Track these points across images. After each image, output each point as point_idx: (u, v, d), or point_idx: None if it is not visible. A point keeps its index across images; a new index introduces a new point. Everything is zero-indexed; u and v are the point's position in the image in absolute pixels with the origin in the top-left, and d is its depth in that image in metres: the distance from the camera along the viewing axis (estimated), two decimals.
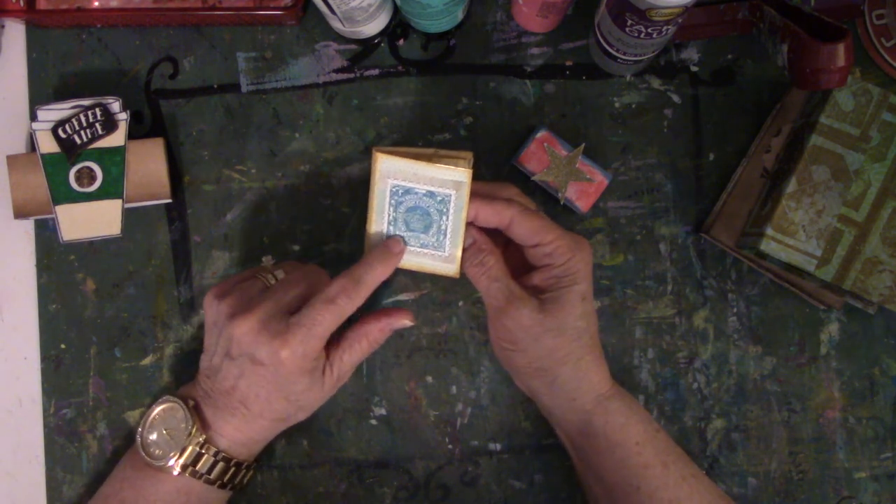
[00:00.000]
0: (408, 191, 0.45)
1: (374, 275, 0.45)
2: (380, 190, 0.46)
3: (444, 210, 0.45)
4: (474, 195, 0.45)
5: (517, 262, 0.48)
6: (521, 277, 0.47)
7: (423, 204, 0.45)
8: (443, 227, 0.46)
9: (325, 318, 0.43)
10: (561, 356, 0.45)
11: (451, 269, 0.47)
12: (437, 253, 0.47)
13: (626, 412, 0.46)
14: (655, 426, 0.47)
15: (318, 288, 0.45)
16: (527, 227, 0.45)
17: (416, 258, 0.47)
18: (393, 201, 0.46)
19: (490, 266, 0.45)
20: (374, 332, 0.47)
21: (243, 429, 0.46)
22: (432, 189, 0.45)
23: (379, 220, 0.47)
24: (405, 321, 0.48)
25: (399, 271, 0.52)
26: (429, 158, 0.45)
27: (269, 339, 0.42)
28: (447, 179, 0.45)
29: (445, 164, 0.44)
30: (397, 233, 0.47)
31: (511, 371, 0.49)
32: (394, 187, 0.45)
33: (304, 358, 0.43)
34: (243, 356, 0.44)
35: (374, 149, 0.45)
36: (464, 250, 0.46)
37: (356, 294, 0.44)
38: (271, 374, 0.43)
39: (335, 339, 0.46)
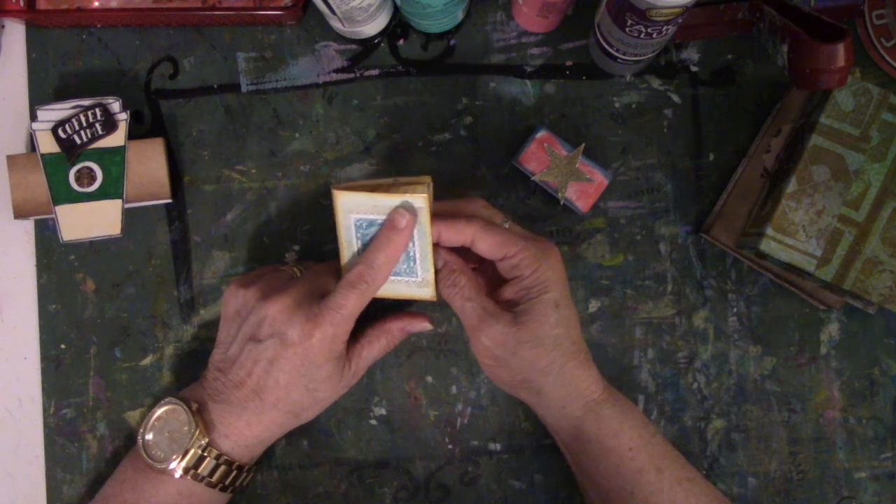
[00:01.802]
0: (371, 223, 0.45)
1: (385, 255, 0.45)
2: (345, 226, 0.46)
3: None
4: (437, 216, 0.45)
5: (494, 276, 0.48)
6: (495, 292, 0.47)
7: None
8: (411, 253, 0.46)
9: (350, 300, 0.44)
10: (542, 366, 0.44)
11: (426, 293, 0.47)
12: (411, 279, 0.47)
13: (618, 417, 0.45)
14: (651, 430, 0.46)
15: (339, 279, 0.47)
16: (489, 243, 0.45)
17: (392, 286, 0.47)
18: (359, 234, 0.46)
19: (462, 286, 0.46)
20: (395, 331, 0.49)
21: (253, 423, 0.46)
22: None
23: (350, 253, 0.47)
24: (425, 324, 0.50)
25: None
26: (387, 188, 0.45)
27: (304, 319, 0.44)
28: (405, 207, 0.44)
29: (403, 191, 0.44)
30: None
31: (499, 385, 0.49)
32: (357, 221, 0.45)
33: (333, 340, 0.44)
34: (273, 337, 0.44)
35: (332, 186, 0.45)
36: (436, 272, 0.46)
37: (372, 277, 0.45)
38: (299, 356, 0.44)
39: (354, 337, 0.47)
